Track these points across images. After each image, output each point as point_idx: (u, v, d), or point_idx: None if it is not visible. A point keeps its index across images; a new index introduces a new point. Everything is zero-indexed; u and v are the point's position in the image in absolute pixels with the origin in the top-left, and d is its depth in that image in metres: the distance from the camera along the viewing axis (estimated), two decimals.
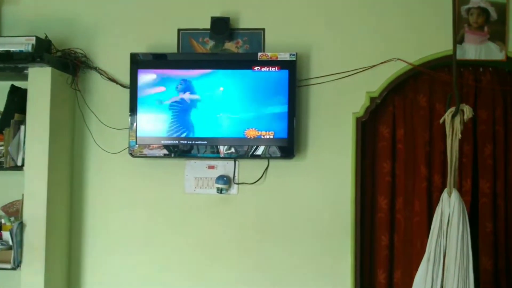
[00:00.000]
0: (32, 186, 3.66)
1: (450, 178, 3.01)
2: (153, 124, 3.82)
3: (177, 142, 3.81)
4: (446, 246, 2.98)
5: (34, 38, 3.67)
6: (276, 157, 3.80)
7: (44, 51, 3.72)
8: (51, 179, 3.69)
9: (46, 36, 3.84)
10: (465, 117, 2.99)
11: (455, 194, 2.98)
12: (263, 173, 3.88)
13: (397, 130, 3.99)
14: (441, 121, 3.07)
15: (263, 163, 3.87)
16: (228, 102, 3.78)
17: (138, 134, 3.81)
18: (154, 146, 3.81)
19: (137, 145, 3.82)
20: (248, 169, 3.89)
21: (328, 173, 3.87)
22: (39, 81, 3.69)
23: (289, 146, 3.75)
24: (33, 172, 3.67)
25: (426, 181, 3.89)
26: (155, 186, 3.96)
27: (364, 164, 3.95)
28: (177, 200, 3.94)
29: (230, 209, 3.90)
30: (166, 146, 3.81)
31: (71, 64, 3.90)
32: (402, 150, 3.96)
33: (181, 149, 3.81)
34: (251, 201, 3.89)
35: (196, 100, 3.80)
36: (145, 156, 3.85)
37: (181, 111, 3.81)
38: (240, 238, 3.89)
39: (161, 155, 3.82)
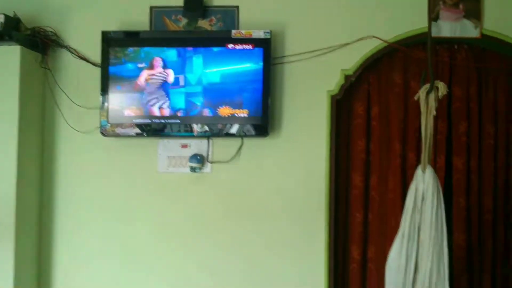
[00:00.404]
0: (1, 164, 3.64)
1: (425, 155, 3.00)
2: (125, 102, 3.77)
3: (149, 120, 3.76)
4: (420, 222, 2.98)
5: (2, 16, 3.61)
6: (250, 136, 3.78)
7: (12, 29, 3.66)
8: (21, 158, 3.67)
9: (15, 14, 3.76)
10: (440, 94, 2.96)
11: (429, 171, 2.97)
12: (237, 152, 3.86)
13: (372, 108, 3.99)
14: (415, 98, 3.05)
15: (237, 141, 3.85)
16: (201, 80, 3.74)
17: (109, 113, 3.76)
18: (127, 125, 3.77)
19: (109, 124, 3.77)
20: (222, 147, 3.87)
21: (303, 151, 3.86)
22: (8, 60, 3.65)
23: (263, 124, 3.73)
24: (2, 151, 3.64)
25: (400, 158, 3.90)
26: (128, 165, 3.93)
27: (339, 141, 3.95)
28: (150, 179, 3.91)
29: (203, 187, 3.89)
30: (138, 125, 3.77)
31: (40, 43, 3.83)
32: (377, 127, 3.96)
33: (153, 128, 3.77)
34: (225, 179, 3.88)
35: (169, 78, 3.75)
36: (117, 135, 3.81)
37: (153, 89, 3.76)
38: (214, 216, 3.88)
39: (134, 134, 3.79)
